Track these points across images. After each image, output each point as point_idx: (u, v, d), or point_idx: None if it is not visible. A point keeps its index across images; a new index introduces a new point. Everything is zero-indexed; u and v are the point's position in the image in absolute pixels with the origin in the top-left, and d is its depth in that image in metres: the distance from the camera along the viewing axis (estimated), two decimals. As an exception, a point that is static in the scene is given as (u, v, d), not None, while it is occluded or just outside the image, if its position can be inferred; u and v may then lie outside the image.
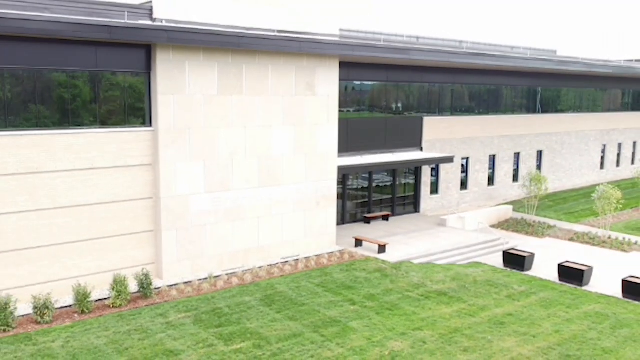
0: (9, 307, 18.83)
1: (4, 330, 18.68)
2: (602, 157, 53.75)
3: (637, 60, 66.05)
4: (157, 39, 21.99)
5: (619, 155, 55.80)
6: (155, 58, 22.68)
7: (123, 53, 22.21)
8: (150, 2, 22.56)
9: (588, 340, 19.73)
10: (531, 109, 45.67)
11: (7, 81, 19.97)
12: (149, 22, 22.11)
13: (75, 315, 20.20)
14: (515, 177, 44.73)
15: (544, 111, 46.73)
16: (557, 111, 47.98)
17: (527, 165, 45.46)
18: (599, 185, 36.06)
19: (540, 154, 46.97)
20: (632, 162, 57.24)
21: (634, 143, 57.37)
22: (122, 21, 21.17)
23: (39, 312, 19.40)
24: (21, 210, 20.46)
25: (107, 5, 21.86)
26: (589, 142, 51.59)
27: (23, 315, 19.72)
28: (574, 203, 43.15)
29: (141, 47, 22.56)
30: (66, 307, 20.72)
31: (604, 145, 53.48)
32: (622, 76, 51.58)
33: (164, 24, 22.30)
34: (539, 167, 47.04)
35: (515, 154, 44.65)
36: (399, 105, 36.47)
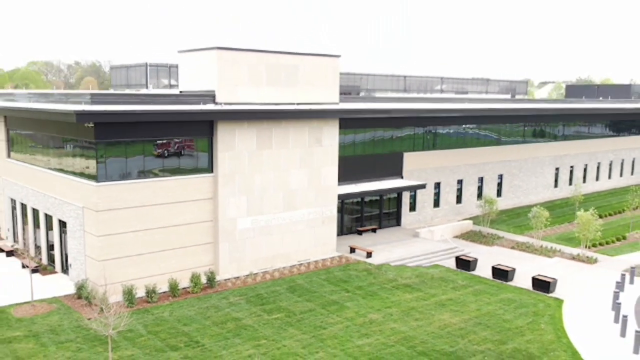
0: (133, 292, 30.24)
1: (130, 307, 30.07)
2: (556, 178, 65.08)
3: (603, 84, 77.58)
4: (219, 116, 33.48)
5: (571, 173, 67.09)
6: (216, 128, 34.11)
7: (195, 125, 33.61)
8: (214, 90, 33.91)
9: (496, 315, 31.11)
10: (493, 142, 57.02)
11: (130, 150, 31.38)
12: (213, 106, 33.52)
13: (170, 298, 31.62)
14: (479, 197, 56.03)
15: (504, 143, 58.10)
16: (515, 142, 59.33)
17: (490, 187, 56.83)
18: (535, 206, 47.41)
19: (501, 177, 58.35)
20: (584, 181, 68.60)
21: (585, 165, 68.77)
22: (198, 107, 32.62)
23: (149, 295, 30.83)
24: (134, 230, 31.89)
25: (188, 95, 33.35)
26: (544, 166, 62.96)
27: (138, 297, 31.09)
28: (525, 218, 54.20)
29: (207, 121, 33.94)
30: (162, 292, 32.11)
31: (557, 168, 64.87)
32: (568, 114, 62.93)
33: (223, 106, 33.69)
34: (499, 187, 58.36)
35: (479, 177, 56.01)
36: (386, 143, 47.74)
